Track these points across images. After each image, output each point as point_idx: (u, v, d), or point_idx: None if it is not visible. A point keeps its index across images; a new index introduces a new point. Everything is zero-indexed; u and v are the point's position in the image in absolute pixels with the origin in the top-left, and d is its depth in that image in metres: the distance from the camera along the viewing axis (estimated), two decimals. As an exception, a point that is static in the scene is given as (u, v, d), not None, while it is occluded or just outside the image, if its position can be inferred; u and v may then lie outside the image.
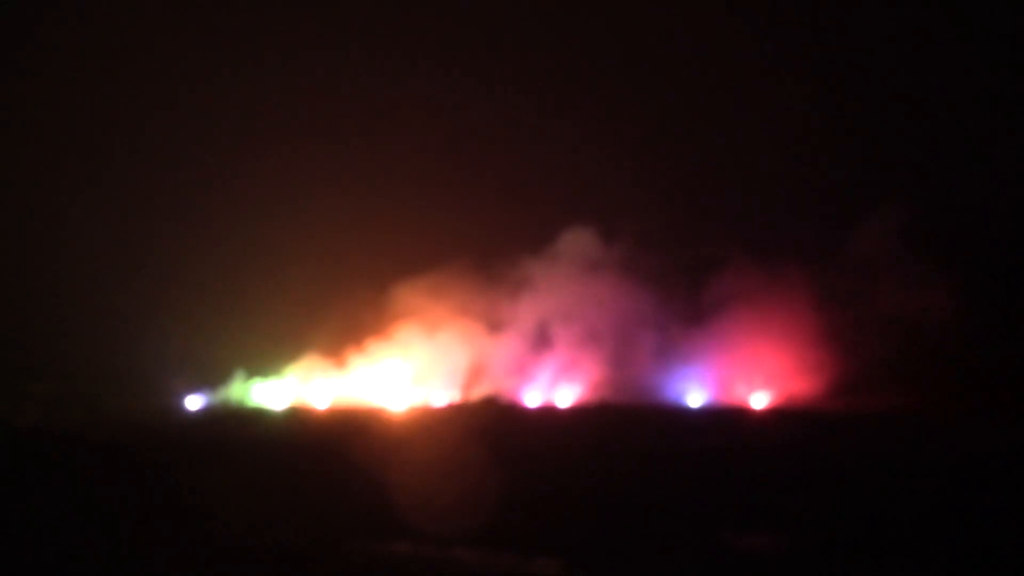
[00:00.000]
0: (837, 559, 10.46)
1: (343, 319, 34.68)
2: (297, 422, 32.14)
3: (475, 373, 33.72)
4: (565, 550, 10.95)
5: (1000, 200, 28.37)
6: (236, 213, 36.78)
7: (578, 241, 32.78)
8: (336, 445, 24.03)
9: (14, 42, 37.42)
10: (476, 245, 33.91)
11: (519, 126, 35.79)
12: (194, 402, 35.52)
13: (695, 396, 30.39)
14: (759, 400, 29.30)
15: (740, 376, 29.64)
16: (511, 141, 35.93)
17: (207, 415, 34.13)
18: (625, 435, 24.87)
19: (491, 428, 25.17)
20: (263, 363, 36.11)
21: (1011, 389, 24.89)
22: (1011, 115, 29.21)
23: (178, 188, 38.28)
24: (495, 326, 33.70)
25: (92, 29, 37.30)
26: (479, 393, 33.05)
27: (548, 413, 31.26)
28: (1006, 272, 27.21)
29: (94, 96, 38.45)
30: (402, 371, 34.23)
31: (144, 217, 38.34)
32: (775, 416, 27.85)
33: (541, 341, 32.96)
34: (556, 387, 32.12)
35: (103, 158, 38.49)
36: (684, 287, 30.91)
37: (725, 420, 28.06)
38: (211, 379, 36.02)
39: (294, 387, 35.67)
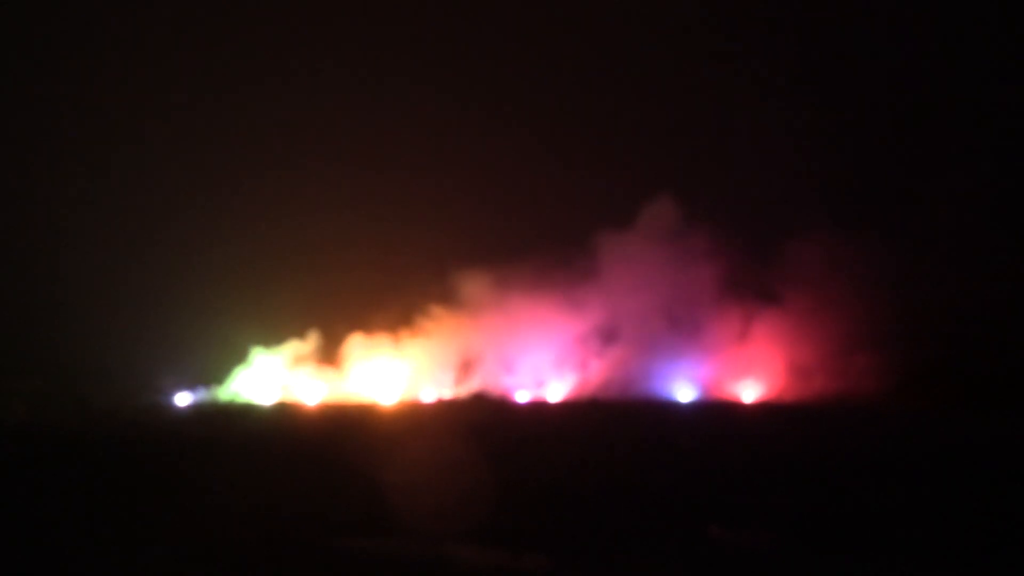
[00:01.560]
0: (827, 555, 10.52)
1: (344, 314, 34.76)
2: (287, 417, 32.12)
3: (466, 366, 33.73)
4: (555, 546, 10.97)
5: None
6: (230, 212, 36.76)
7: (657, 215, 32.35)
8: (327, 440, 24.03)
9: (44, 46, 37.14)
10: (479, 245, 33.99)
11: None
12: (183, 399, 35.44)
13: (685, 391, 30.46)
14: (749, 395, 29.40)
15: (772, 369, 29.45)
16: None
17: (197, 411, 34.03)
18: (616, 430, 24.91)
19: (481, 424, 25.18)
20: (256, 360, 36.13)
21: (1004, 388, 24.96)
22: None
23: (175, 188, 38.24)
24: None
25: (112, 33, 37.16)
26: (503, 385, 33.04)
27: (538, 408, 31.33)
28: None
29: (98, 95, 38.31)
30: (399, 367, 34.26)
31: (140, 216, 38.28)
32: (766, 411, 27.95)
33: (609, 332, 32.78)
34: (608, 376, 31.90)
35: (101, 157, 38.28)
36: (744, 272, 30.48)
37: (716, 415, 28.14)
38: (202, 376, 35.98)
39: (286, 380, 35.65)
